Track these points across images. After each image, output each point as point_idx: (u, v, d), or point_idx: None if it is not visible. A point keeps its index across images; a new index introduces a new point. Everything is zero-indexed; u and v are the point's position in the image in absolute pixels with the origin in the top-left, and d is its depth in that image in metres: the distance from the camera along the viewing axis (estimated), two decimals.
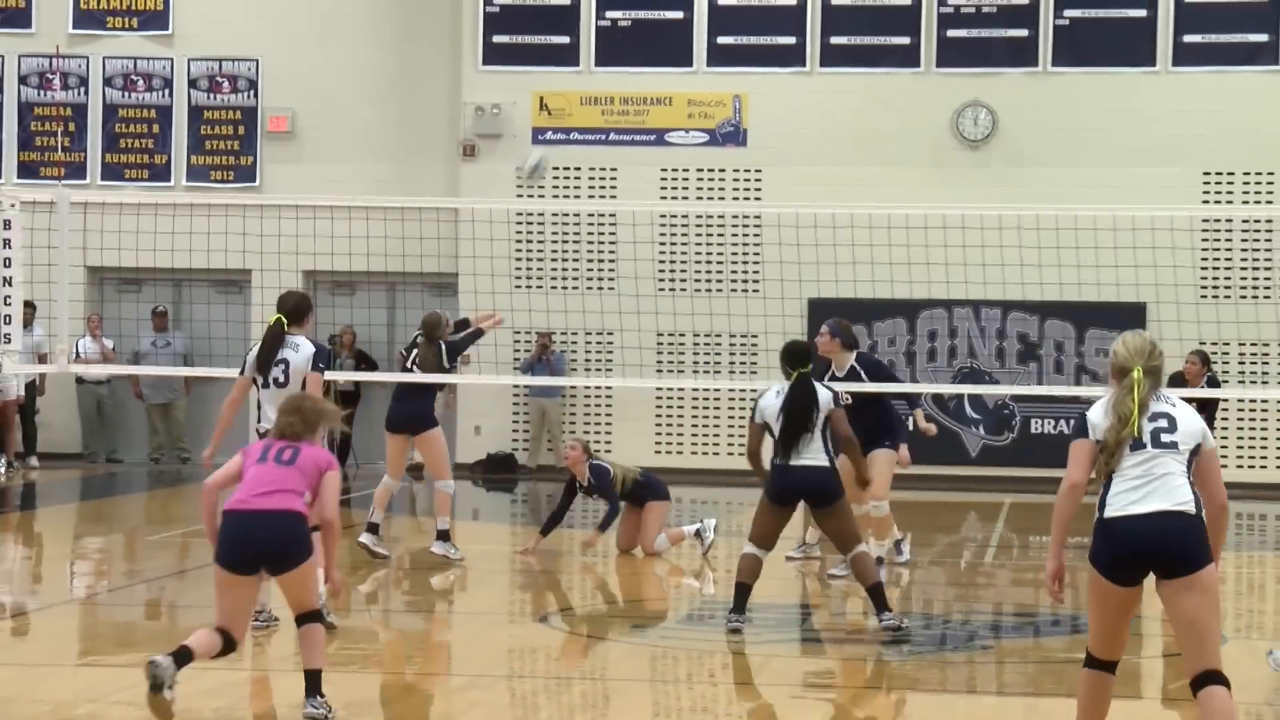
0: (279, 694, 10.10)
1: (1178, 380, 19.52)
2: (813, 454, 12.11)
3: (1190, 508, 7.74)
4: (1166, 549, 7.68)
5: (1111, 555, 7.78)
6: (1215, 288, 24.29)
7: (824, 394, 12.28)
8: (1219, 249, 24.40)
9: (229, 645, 8.89)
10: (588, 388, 25.44)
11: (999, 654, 12.26)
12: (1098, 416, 7.94)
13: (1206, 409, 16.78)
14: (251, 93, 26.43)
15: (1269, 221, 24.38)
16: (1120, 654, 7.99)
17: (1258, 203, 24.43)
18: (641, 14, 25.58)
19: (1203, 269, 24.04)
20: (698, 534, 16.36)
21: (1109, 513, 7.79)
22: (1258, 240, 24.45)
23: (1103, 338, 24.17)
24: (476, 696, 10.15)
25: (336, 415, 9.88)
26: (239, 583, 8.90)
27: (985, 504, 22.04)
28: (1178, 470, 7.80)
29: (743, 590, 12.17)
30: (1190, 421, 7.90)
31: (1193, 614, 7.71)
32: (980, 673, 11.52)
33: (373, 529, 15.49)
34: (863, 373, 14.76)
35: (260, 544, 8.83)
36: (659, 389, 25.07)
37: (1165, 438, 7.84)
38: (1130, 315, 23.40)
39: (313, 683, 8.93)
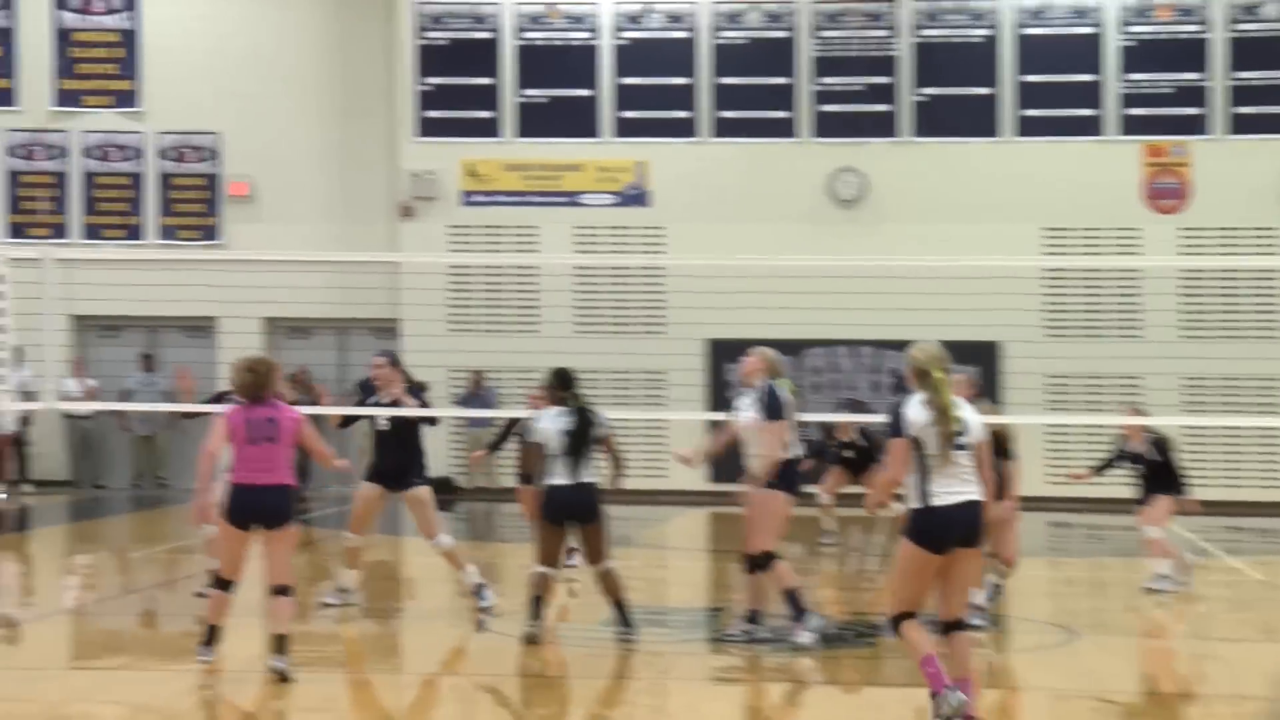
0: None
1: None
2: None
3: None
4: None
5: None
6: (1058, 327, 24.28)
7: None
8: (1061, 293, 24.28)
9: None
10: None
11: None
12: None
13: None
14: (214, 161, 26.04)
15: (1098, 271, 24.23)
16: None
17: (1094, 254, 24.23)
18: (555, 91, 25.41)
19: (1047, 311, 24.08)
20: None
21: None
22: (1096, 285, 24.40)
23: (958, 371, 24.02)
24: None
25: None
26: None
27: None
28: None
29: (537, 602, 11.56)
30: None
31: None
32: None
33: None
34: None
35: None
36: None
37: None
38: (984, 351, 23.36)
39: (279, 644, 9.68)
